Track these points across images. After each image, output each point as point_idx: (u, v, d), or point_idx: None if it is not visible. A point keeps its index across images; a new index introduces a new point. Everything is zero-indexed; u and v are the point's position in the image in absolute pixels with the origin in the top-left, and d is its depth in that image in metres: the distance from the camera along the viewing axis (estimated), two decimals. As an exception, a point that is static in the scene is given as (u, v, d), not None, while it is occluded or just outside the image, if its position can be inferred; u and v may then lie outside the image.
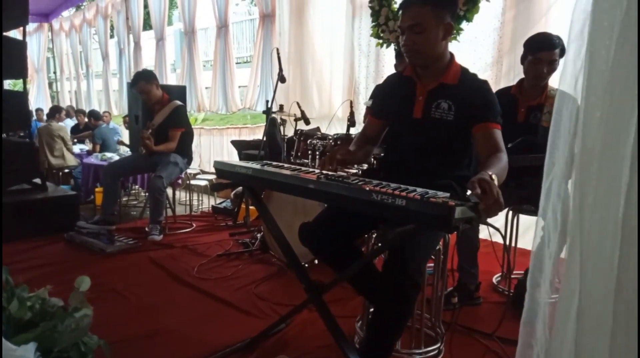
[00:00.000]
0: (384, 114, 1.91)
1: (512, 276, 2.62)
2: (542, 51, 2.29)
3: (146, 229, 3.70)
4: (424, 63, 1.73)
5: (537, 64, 2.32)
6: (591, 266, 0.76)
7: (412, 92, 1.79)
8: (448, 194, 1.32)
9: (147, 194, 5.06)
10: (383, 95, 1.94)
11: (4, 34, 3.74)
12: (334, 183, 1.48)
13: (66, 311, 0.96)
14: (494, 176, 1.32)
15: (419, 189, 1.38)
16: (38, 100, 10.54)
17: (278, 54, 3.33)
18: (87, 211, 4.61)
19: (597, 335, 0.74)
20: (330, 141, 3.05)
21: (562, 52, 2.29)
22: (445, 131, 1.72)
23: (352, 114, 3.15)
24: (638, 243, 0.70)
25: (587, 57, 0.81)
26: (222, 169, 1.87)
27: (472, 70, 3.83)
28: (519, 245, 2.79)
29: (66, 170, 5.95)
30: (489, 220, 1.31)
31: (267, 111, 3.37)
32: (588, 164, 0.75)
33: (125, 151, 5.81)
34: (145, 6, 7.26)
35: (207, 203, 5.11)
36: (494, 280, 2.77)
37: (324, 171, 1.64)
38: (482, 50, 3.62)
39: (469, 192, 1.35)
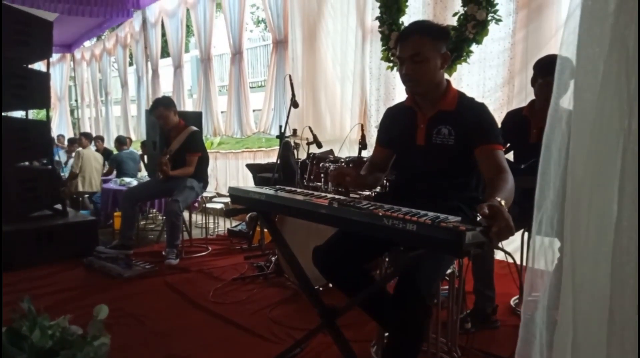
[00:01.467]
0: (389, 143, 1.99)
1: (529, 298, 2.57)
2: (551, 74, 2.30)
3: (163, 253, 3.75)
4: (424, 91, 1.79)
5: (547, 87, 2.33)
6: (584, 299, 0.77)
7: (414, 121, 1.85)
8: (459, 219, 1.33)
9: (164, 218, 5.15)
10: (387, 125, 2.01)
11: (30, 66, 3.92)
12: (345, 208, 1.50)
13: (85, 340, 0.99)
14: (502, 202, 1.33)
15: (430, 214, 1.39)
16: (60, 127, 10.86)
17: (291, 80, 3.40)
18: (106, 235, 4.70)
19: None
20: (343, 163, 3.08)
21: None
22: (448, 155, 1.76)
23: (363, 137, 3.19)
24: (638, 276, 0.71)
25: (575, 81, 0.83)
26: (236, 194, 1.91)
27: (482, 91, 3.87)
28: (536, 266, 2.74)
29: (86, 195, 6.09)
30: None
31: (281, 136, 3.42)
32: (578, 201, 0.77)
33: (144, 176, 5.93)
34: (163, 34, 7.50)
35: (224, 225, 5.16)
36: (512, 303, 2.73)
37: (336, 196, 1.67)
38: (491, 71, 3.64)
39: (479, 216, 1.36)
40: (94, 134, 9.69)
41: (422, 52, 1.69)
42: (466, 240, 1.21)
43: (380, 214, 1.39)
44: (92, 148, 7.64)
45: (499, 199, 1.37)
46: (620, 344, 0.72)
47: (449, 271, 1.89)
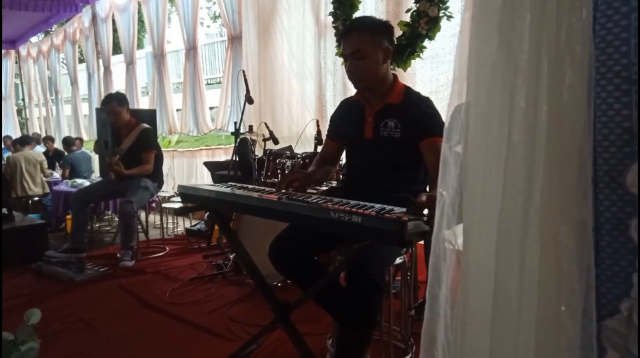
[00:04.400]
0: (338, 136, 2.02)
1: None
2: None
3: (117, 255, 3.65)
4: (368, 86, 1.83)
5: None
6: (474, 279, 0.83)
7: (362, 114, 1.89)
8: (404, 210, 1.37)
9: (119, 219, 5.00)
10: (337, 119, 2.04)
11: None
12: (294, 202, 1.52)
13: (14, 345, 0.96)
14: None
15: (377, 206, 1.42)
16: (7, 127, 10.33)
17: (245, 75, 3.38)
18: (59, 239, 4.52)
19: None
20: (299, 159, 3.09)
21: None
22: (395, 147, 1.81)
23: (319, 132, 3.21)
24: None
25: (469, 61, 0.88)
26: (186, 193, 1.89)
27: (435, 86, 3.95)
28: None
29: (35, 198, 5.84)
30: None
31: (236, 132, 3.40)
32: (472, 183, 0.82)
33: (97, 176, 5.74)
34: (115, 30, 7.26)
35: (182, 225, 5.07)
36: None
37: (286, 191, 1.68)
38: (444, 67, 3.73)
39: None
40: (44, 134, 9.31)
41: (362, 49, 1.73)
42: (408, 229, 1.25)
43: (327, 207, 1.41)
44: (40, 148, 7.33)
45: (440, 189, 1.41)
46: (502, 320, 0.79)
47: (400, 261, 1.94)
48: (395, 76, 1.89)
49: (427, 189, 1.90)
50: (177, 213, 1.93)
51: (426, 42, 3.65)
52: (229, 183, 1.95)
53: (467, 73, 0.84)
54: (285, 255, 1.80)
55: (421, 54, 3.68)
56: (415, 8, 3.58)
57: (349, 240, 1.92)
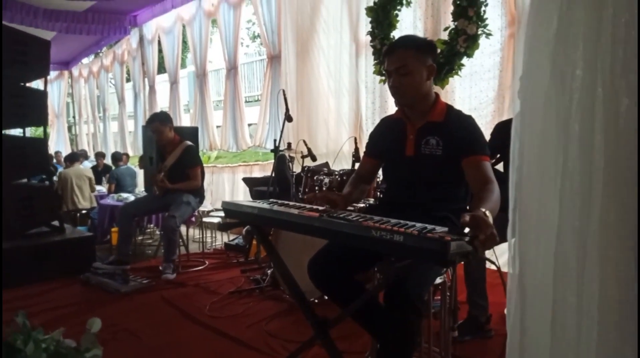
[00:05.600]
0: (378, 154, 2.03)
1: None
2: None
3: (160, 268, 3.77)
4: (411, 103, 1.84)
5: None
6: (530, 299, 0.82)
7: (403, 132, 1.89)
8: (446, 229, 1.36)
9: (161, 233, 5.16)
10: (377, 136, 2.05)
11: (28, 85, 3.97)
12: (335, 220, 1.54)
13: (78, 352, 1.02)
14: (487, 212, 1.36)
15: (418, 225, 1.42)
16: (58, 143, 10.90)
17: (284, 94, 3.46)
18: (104, 251, 4.70)
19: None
20: (337, 176, 3.12)
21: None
22: (436, 165, 1.80)
23: (357, 149, 3.24)
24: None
25: (522, 99, 0.89)
26: (229, 209, 1.94)
27: (474, 104, 3.92)
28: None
29: (83, 211, 6.11)
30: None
31: (275, 150, 3.47)
32: (525, 208, 0.82)
33: (141, 191, 5.96)
34: (160, 50, 7.59)
35: (221, 239, 5.17)
36: (506, 312, 2.74)
37: (327, 209, 1.70)
38: (482, 84, 3.71)
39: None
40: (92, 151, 9.77)
41: (407, 64, 1.75)
42: (451, 249, 1.24)
43: (369, 226, 1.43)
44: (88, 164, 7.70)
45: (483, 209, 1.40)
46: (561, 347, 0.77)
47: (439, 281, 1.92)
48: (437, 95, 1.89)
49: (468, 207, 1.88)
50: (220, 228, 2.00)
51: (464, 60, 3.64)
52: (270, 200, 2.00)
53: (521, 102, 0.84)
54: (324, 272, 1.81)
55: (459, 72, 3.67)
56: (453, 26, 3.59)
57: (389, 259, 1.93)
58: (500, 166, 2.67)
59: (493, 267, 2.41)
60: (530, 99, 0.81)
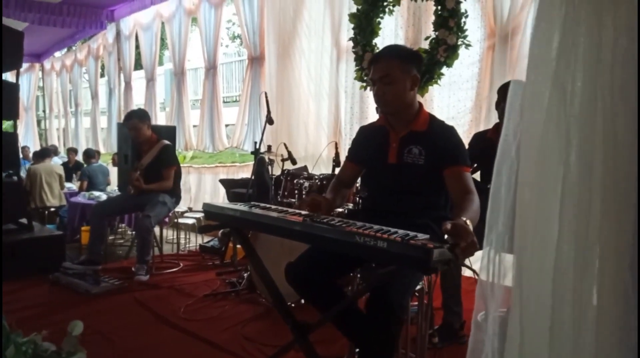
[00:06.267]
0: (359, 160, 2.05)
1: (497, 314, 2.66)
2: None
3: (133, 269, 3.69)
4: (394, 111, 1.87)
5: (511, 111, 2.45)
6: (530, 310, 0.84)
7: (386, 139, 1.92)
8: (428, 236, 1.39)
9: (133, 233, 5.05)
10: (359, 143, 2.07)
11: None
12: (318, 225, 1.54)
13: (60, 356, 0.99)
14: (468, 221, 1.40)
15: (400, 231, 1.44)
16: (26, 138, 10.55)
17: (266, 97, 3.45)
18: (73, 250, 4.57)
19: None
20: (317, 180, 3.13)
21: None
22: (418, 174, 1.84)
23: (337, 154, 3.25)
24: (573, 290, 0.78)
25: (521, 115, 0.91)
26: (210, 211, 1.92)
27: (452, 113, 4.00)
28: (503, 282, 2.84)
29: (52, 209, 5.93)
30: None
31: (256, 152, 3.45)
32: (525, 219, 0.85)
33: (114, 189, 5.82)
34: (137, 47, 7.45)
35: (195, 241, 5.10)
36: (479, 318, 2.80)
37: (309, 214, 1.71)
38: (461, 94, 3.79)
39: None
40: (62, 146, 9.49)
41: (391, 74, 1.78)
42: (434, 256, 1.27)
43: (353, 231, 1.44)
44: (58, 160, 7.47)
45: (464, 218, 1.44)
46: (558, 352, 0.80)
47: (418, 287, 1.95)
48: (420, 104, 1.93)
49: (448, 216, 1.92)
50: (201, 230, 1.97)
51: (444, 69, 3.71)
52: (252, 203, 1.99)
53: (521, 115, 0.87)
54: (306, 277, 1.81)
55: (439, 81, 3.74)
56: (434, 36, 3.66)
57: (369, 264, 1.95)
58: (477, 176, 2.73)
59: (467, 274, 2.46)
60: (531, 114, 0.83)
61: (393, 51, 1.91)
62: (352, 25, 4.24)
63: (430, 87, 3.78)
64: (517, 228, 0.89)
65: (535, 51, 0.83)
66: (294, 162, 3.55)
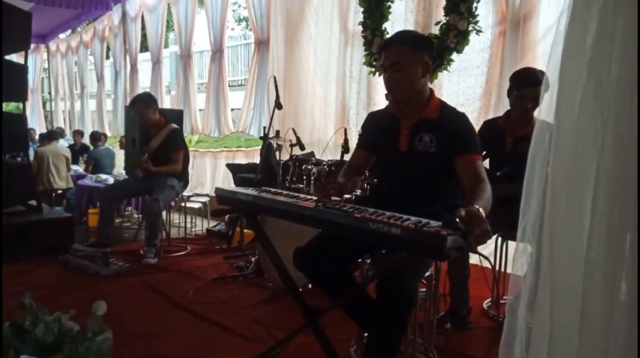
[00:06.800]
0: (371, 147, 2.04)
1: (502, 301, 2.69)
2: (526, 87, 2.41)
3: (141, 252, 3.72)
4: (404, 98, 1.85)
5: (523, 99, 2.43)
6: (560, 298, 0.85)
7: (397, 127, 1.91)
8: (440, 224, 1.40)
9: (140, 216, 5.09)
10: (370, 129, 2.06)
11: (6, 57, 3.82)
12: (331, 210, 1.55)
13: (86, 335, 1.01)
14: (480, 210, 1.40)
15: (413, 218, 1.45)
16: (32, 120, 10.54)
17: (275, 82, 3.43)
18: (80, 233, 4.61)
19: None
20: (325, 166, 3.13)
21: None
22: (429, 162, 1.83)
23: (346, 140, 3.25)
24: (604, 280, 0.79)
25: (557, 105, 0.91)
26: (222, 195, 1.94)
27: (461, 100, 3.97)
28: (509, 270, 2.86)
29: (59, 191, 5.97)
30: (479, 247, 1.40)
31: (264, 137, 3.45)
32: (556, 210, 0.84)
33: (120, 173, 5.84)
34: (143, 28, 7.40)
35: (201, 225, 5.13)
36: (485, 305, 2.83)
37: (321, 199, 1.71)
38: (471, 80, 3.75)
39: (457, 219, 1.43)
40: (68, 128, 9.50)
41: (402, 61, 1.77)
42: (447, 243, 1.28)
43: (366, 217, 1.45)
44: (64, 142, 7.48)
45: (477, 206, 1.44)
46: (590, 341, 0.80)
47: (427, 274, 1.96)
48: (431, 91, 1.91)
49: (459, 203, 1.92)
50: (213, 214, 1.99)
51: (454, 56, 3.68)
52: (263, 188, 2.00)
53: (556, 105, 0.86)
54: (317, 261, 1.82)
55: (448, 67, 3.70)
56: (445, 21, 3.62)
57: (379, 251, 1.96)
58: (486, 163, 2.73)
59: (472, 261, 2.48)
60: (566, 103, 0.82)
61: (404, 37, 1.89)
62: (360, 10, 4.19)
63: (439, 74, 3.75)
64: (548, 216, 0.89)
65: (571, 39, 0.82)
66: (302, 147, 3.54)
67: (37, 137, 8.00)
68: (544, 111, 0.97)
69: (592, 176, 0.78)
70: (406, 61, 1.77)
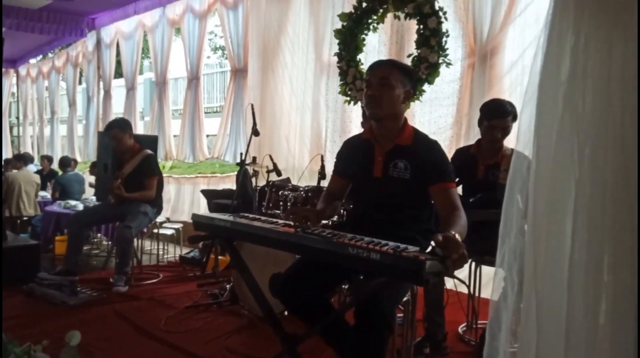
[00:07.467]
0: (346, 174, 2.07)
1: (477, 326, 2.72)
2: (495, 119, 2.53)
3: (111, 280, 3.61)
4: (385, 116, 1.87)
5: (492, 130, 2.54)
6: (544, 317, 0.88)
7: (372, 153, 1.95)
8: (418, 249, 1.43)
9: (109, 243, 4.95)
10: (344, 156, 2.09)
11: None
12: (311, 236, 1.57)
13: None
14: (457, 235, 1.44)
15: (391, 243, 1.48)
16: (-3, 145, 10.26)
17: (252, 109, 3.47)
18: (46, 261, 4.45)
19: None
20: (302, 192, 3.15)
21: (515, 118, 2.54)
22: (404, 188, 1.87)
23: (322, 167, 3.29)
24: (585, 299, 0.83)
25: (535, 126, 0.96)
26: (199, 221, 1.93)
27: (433, 128, 4.09)
28: (482, 295, 2.90)
29: (24, 218, 5.76)
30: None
31: (241, 163, 3.45)
32: (538, 227, 0.89)
33: (90, 199, 5.70)
34: (117, 54, 7.38)
35: (174, 252, 5.03)
36: (460, 330, 2.86)
37: (300, 225, 1.72)
38: (442, 110, 3.88)
39: (433, 244, 1.46)
40: (36, 153, 9.25)
41: (390, 78, 1.83)
42: (426, 268, 1.31)
43: (345, 243, 1.47)
44: (33, 167, 7.28)
45: (453, 232, 1.48)
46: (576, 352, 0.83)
47: (404, 299, 1.98)
48: (405, 119, 1.97)
49: (433, 229, 1.96)
50: (191, 240, 1.97)
51: (425, 86, 3.81)
52: (241, 214, 2.00)
53: (534, 137, 0.91)
54: (294, 288, 1.81)
55: (420, 97, 3.83)
56: (416, 54, 3.76)
57: (357, 276, 1.97)
58: (459, 190, 2.80)
59: (447, 286, 2.51)
60: (543, 138, 0.87)
61: (394, 61, 1.99)
62: (335, 41, 4.32)
63: (412, 104, 3.87)
64: (531, 244, 0.93)
65: (546, 74, 0.87)
66: (279, 174, 3.57)
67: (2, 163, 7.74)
68: (520, 140, 1.02)
69: (570, 203, 0.82)
70: (394, 79, 1.83)
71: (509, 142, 2.67)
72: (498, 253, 1.03)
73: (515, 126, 2.59)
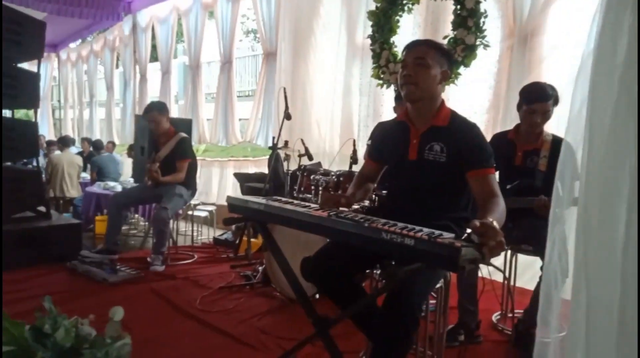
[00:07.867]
0: (380, 157, 2.03)
1: (511, 315, 2.67)
2: (536, 102, 2.42)
3: (148, 259, 3.73)
4: (420, 97, 1.79)
5: (532, 114, 2.44)
6: (595, 307, 0.85)
7: (407, 135, 1.88)
8: (453, 235, 1.40)
9: (146, 223, 5.11)
10: (379, 139, 2.05)
11: (19, 65, 3.88)
12: (344, 220, 1.56)
13: (104, 341, 1.02)
14: (494, 222, 1.39)
15: (425, 229, 1.45)
16: (41, 127, 10.66)
17: (285, 93, 3.46)
18: (87, 240, 4.63)
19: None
20: (333, 177, 3.15)
21: (556, 102, 2.43)
22: (439, 172, 1.80)
23: (354, 152, 3.27)
24: (638, 285, 0.79)
25: (588, 110, 0.91)
26: (234, 204, 1.95)
27: (469, 113, 4.00)
28: (518, 284, 2.85)
29: (67, 199, 6.00)
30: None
31: (273, 147, 3.47)
32: (589, 216, 0.85)
33: (127, 180, 5.87)
34: (152, 38, 7.50)
35: (207, 234, 5.14)
36: (494, 319, 2.82)
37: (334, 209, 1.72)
38: (478, 94, 3.77)
39: (468, 231, 1.43)
40: (77, 136, 9.58)
41: (427, 58, 1.75)
42: (462, 255, 1.28)
43: (379, 228, 1.46)
44: (74, 149, 7.54)
45: (490, 219, 1.44)
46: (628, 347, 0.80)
47: (437, 285, 1.96)
48: (443, 100, 1.89)
49: (469, 217, 1.91)
50: (225, 222, 2.00)
51: (461, 69, 3.70)
52: (274, 197, 2.01)
53: (585, 122, 0.87)
54: (325, 271, 1.81)
55: (456, 81, 3.73)
56: (452, 35, 3.65)
57: (388, 262, 1.95)
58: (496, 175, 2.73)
59: (481, 274, 2.47)
60: (598, 117, 0.83)
61: (432, 41, 1.89)
62: (368, 24, 4.24)
63: (447, 87, 3.77)
64: (579, 231, 0.89)
65: (601, 57, 0.82)
66: (310, 158, 3.57)
67: (45, 144, 8.06)
68: (571, 126, 0.97)
69: (625, 192, 0.78)
70: (431, 59, 1.76)
71: (549, 127, 2.57)
72: (548, 241, 1.00)
73: (556, 111, 2.49)
